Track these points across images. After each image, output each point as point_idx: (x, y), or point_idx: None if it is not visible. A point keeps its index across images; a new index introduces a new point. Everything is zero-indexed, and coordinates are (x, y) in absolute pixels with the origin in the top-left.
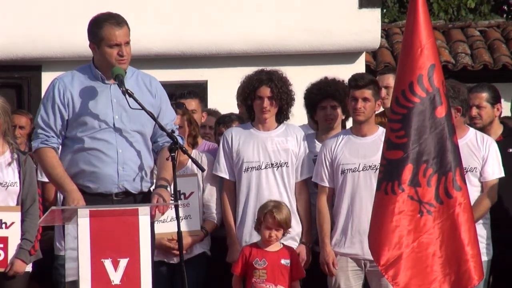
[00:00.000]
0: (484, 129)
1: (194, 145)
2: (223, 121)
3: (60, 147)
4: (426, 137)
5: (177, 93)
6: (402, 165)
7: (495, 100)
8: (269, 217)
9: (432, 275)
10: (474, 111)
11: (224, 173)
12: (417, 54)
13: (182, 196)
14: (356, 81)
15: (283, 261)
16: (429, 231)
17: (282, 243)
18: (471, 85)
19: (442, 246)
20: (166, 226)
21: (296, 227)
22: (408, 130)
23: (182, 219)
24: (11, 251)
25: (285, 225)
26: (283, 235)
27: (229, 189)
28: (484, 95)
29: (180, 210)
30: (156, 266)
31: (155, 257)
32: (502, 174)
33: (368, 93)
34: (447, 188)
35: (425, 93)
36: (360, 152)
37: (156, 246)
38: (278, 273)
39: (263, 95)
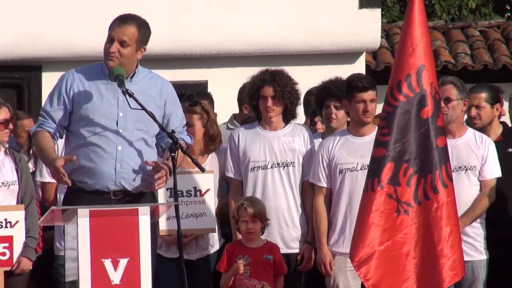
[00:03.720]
0: (483, 129)
1: (210, 144)
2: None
3: (57, 133)
4: (409, 137)
5: (187, 93)
6: (383, 163)
7: (494, 100)
8: (242, 211)
9: (404, 274)
10: (474, 111)
11: (231, 172)
12: (407, 54)
13: (198, 193)
14: (362, 82)
15: (266, 257)
16: (405, 231)
17: (266, 240)
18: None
19: (417, 246)
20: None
21: (301, 227)
22: (392, 129)
23: (197, 217)
24: (17, 250)
25: (260, 217)
26: (263, 228)
27: (236, 188)
28: (483, 95)
29: (196, 207)
30: (172, 262)
31: (172, 253)
32: (500, 174)
33: (373, 94)
34: (426, 190)
35: (412, 93)
36: (358, 151)
37: (171, 242)
38: (261, 269)
39: (266, 94)
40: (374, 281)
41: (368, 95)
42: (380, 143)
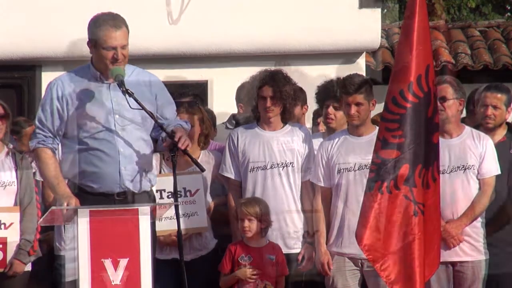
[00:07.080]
0: (493, 129)
1: (205, 144)
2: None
3: (59, 147)
4: (421, 137)
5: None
6: (398, 165)
7: (509, 102)
8: (239, 209)
9: (417, 272)
10: (490, 111)
11: (230, 173)
12: (416, 55)
13: (188, 193)
14: (346, 87)
15: (268, 257)
16: (421, 230)
17: (268, 240)
18: (482, 85)
19: (424, 243)
20: (175, 223)
21: (301, 227)
22: (406, 130)
23: (188, 216)
24: (10, 252)
25: (256, 216)
26: (263, 229)
27: (235, 189)
28: (503, 96)
29: (186, 207)
30: (166, 264)
31: (166, 255)
32: (499, 171)
33: (360, 97)
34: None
35: (422, 93)
36: (356, 151)
37: (168, 243)
38: (264, 268)
39: (265, 95)
40: (394, 281)
41: (353, 98)
42: (392, 145)
